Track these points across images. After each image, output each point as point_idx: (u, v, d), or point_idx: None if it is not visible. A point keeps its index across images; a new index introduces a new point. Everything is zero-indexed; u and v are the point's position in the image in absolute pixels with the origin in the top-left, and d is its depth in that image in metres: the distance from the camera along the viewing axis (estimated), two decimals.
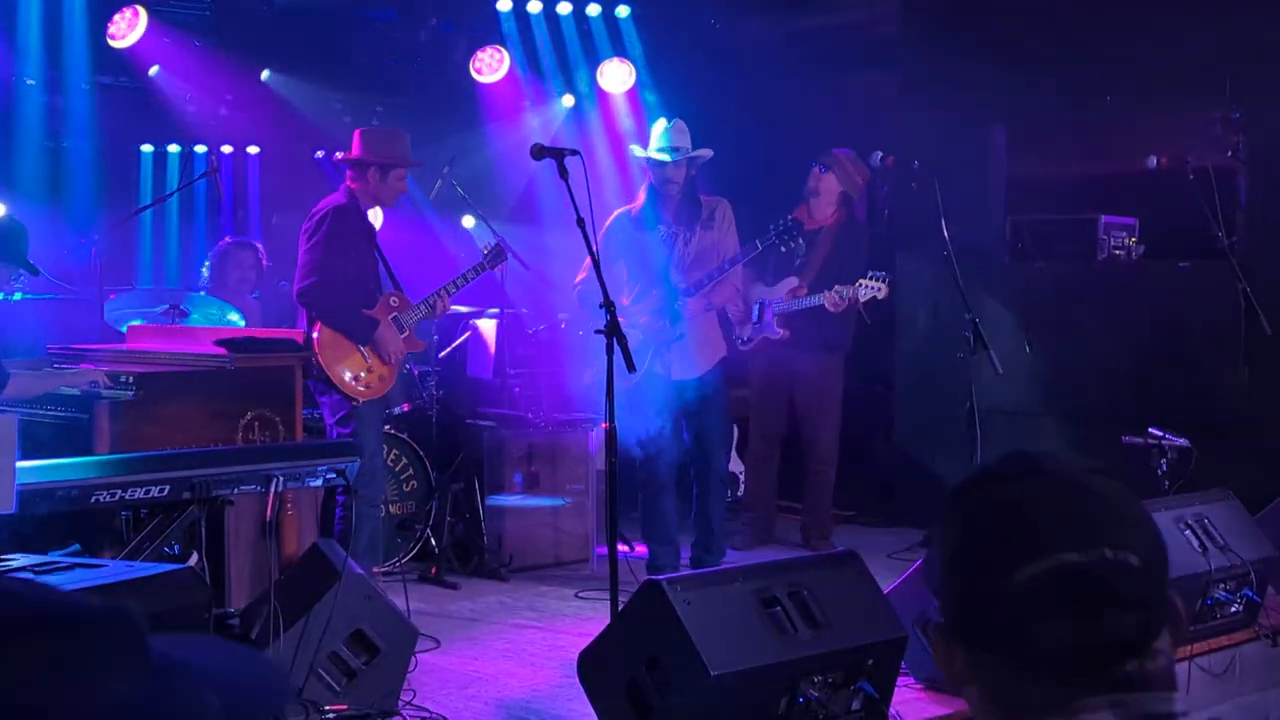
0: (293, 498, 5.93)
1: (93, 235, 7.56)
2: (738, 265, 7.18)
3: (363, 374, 6.52)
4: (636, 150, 7.31)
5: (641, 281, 7.15)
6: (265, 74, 9.59)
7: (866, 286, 7.59)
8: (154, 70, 9.23)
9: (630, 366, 5.23)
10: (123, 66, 9.20)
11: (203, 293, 7.88)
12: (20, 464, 4.51)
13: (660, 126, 7.13)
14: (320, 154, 9.77)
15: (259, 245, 8.36)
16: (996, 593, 1.41)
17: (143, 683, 1.03)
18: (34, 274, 6.09)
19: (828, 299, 7.69)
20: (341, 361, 6.49)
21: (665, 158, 7.06)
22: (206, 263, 8.23)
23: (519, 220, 9.50)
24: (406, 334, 6.72)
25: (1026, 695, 1.42)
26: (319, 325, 6.49)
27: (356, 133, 6.83)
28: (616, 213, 7.32)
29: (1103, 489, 1.46)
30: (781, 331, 7.94)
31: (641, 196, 7.27)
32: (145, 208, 8.73)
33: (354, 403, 6.48)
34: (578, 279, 7.08)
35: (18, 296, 6.73)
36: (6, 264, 5.88)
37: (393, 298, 6.74)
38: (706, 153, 7.15)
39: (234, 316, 7.60)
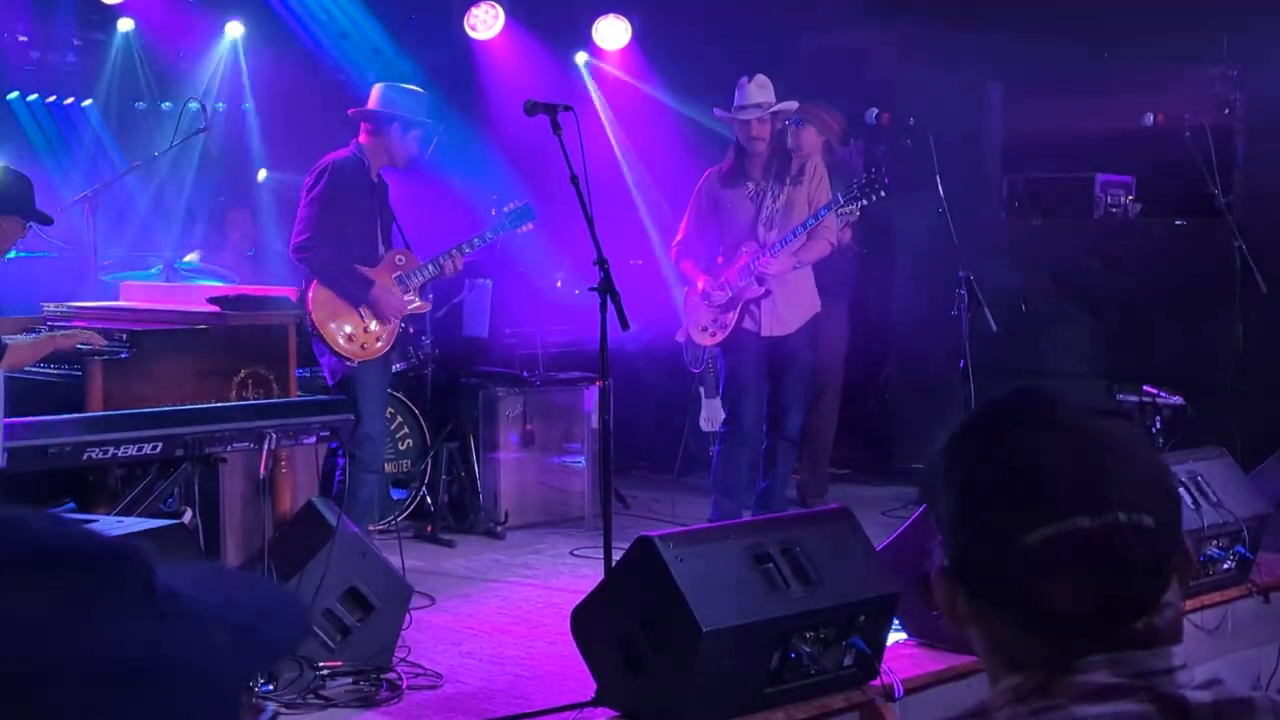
0: (287, 455, 5.93)
1: (86, 193, 7.52)
2: (827, 218, 6.96)
3: (359, 334, 6.34)
4: (720, 111, 7.12)
5: (731, 241, 7.07)
6: (238, 27, 9.46)
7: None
8: (129, 26, 9.14)
9: (624, 325, 5.19)
10: (114, 23, 9.14)
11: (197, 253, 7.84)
12: (11, 420, 4.50)
13: (742, 84, 6.96)
14: (318, 111, 9.71)
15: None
16: (1003, 553, 1.37)
17: (148, 620, 1.02)
18: (47, 222, 5.95)
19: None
20: (336, 321, 6.31)
21: (748, 116, 6.91)
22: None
23: (514, 178, 9.46)
24: (410, 294, 6.51)
25: (1027, 648, 1.39)
26: (315, 284, 6.32)
27: (376, 86, 6.52)
28: (706, 173, 7.20)
29: (1117, 440, 1.39)
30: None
31: (730, 156, 7.10)
32: (136, 166, 8.67)
33: (349, 364, 6.30)
34: (677, 239, 7.16)
35: (12, 255, 6.69)
36: (15, 216, 5.69)
37: (399, 256, 6.50)
38: (792, 105, 7.03)
39: None
